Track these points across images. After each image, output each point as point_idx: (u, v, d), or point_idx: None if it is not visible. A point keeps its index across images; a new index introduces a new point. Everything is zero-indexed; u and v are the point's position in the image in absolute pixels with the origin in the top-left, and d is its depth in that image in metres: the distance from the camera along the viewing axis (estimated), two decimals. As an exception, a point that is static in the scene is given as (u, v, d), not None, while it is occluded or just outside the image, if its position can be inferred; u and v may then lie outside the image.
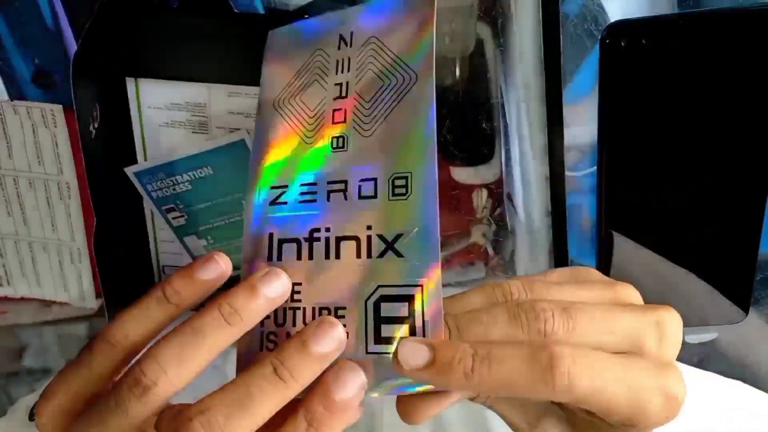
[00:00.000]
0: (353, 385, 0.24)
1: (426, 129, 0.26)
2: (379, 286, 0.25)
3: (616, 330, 0.24)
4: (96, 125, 0.33)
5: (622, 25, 0.33)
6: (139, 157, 0.36)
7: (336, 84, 0.28)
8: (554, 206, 0.40)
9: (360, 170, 0.26)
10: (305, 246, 0.27)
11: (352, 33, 0.29)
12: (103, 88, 0.33)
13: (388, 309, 0.25)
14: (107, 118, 0.34)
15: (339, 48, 0.29)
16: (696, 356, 0.48)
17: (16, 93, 0.38)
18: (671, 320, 0.25)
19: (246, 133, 0.34)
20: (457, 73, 0.39)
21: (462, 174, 0.43)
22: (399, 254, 0.25)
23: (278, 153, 0.29)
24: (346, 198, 0.26)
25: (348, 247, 0.26)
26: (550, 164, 0.39)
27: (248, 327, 0.25)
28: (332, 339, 0.24)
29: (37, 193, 0.40)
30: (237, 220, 0.37)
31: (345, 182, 0.26)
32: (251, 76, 0.33)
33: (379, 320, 0.25)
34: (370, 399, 0.25)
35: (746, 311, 0.40)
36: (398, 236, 0.25)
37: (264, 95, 0.30)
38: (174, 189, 0.36)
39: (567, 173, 0.41)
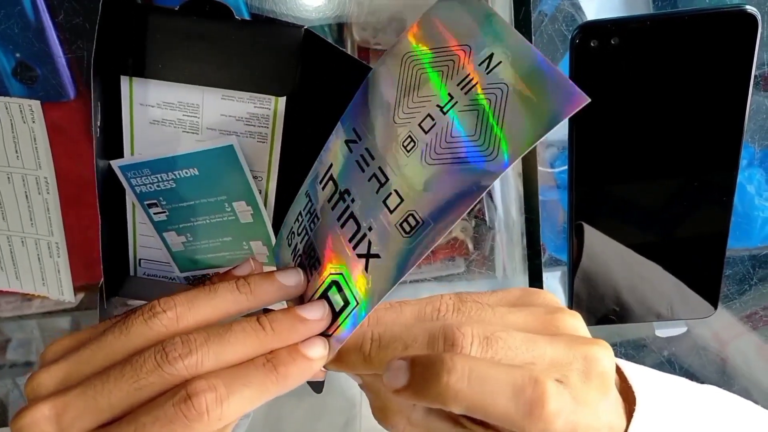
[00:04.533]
0: (317, 348, 0.26)
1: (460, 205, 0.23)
2: (341, 274, 0.27)
3: (537, 359, 0.24)
4: (100, 123, 0.33)
5: (593, 25, 0.34)
6: (126, 151, 0.36)
7: (449, 94, 0.24)
8: (527, 202, 0.41)
9: (400, 182, 0.25)
10: (336, 196, 0.28)
11: (500, 63, 0.23)
12: (101, 87, 0.33)
13: (332, 295, 0.27)
14: (105, 115, 0.34)
15: (480, 64, 0.24)
16: (666, 350, 0.49)
17: (-3, 87, 0.38)
18: (602, 356, 0.25)
19: (235, 139, 0.35)
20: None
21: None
22: (366, 269, 0.25)
23: (373, 103, 0.27)
24: (377, 192, 0.26)
25: (350, 227, 0.27)
26: (523, 161, 0.40)
27: (258, 301, 0.28)
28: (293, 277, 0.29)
29: (16, 187, 0.41)
30: (217, 221, 0.38)
31: (388, 179, 0.26)
32: (246, 81, 0.33)
33: (323, 296, 0.27)
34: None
35: (715, 306, 0.41)
36: (377, 255, 0.25)
37: (401, 40, 0.27)
38: (158, 185, 0.36)
39: (544, 170, 0.41)
